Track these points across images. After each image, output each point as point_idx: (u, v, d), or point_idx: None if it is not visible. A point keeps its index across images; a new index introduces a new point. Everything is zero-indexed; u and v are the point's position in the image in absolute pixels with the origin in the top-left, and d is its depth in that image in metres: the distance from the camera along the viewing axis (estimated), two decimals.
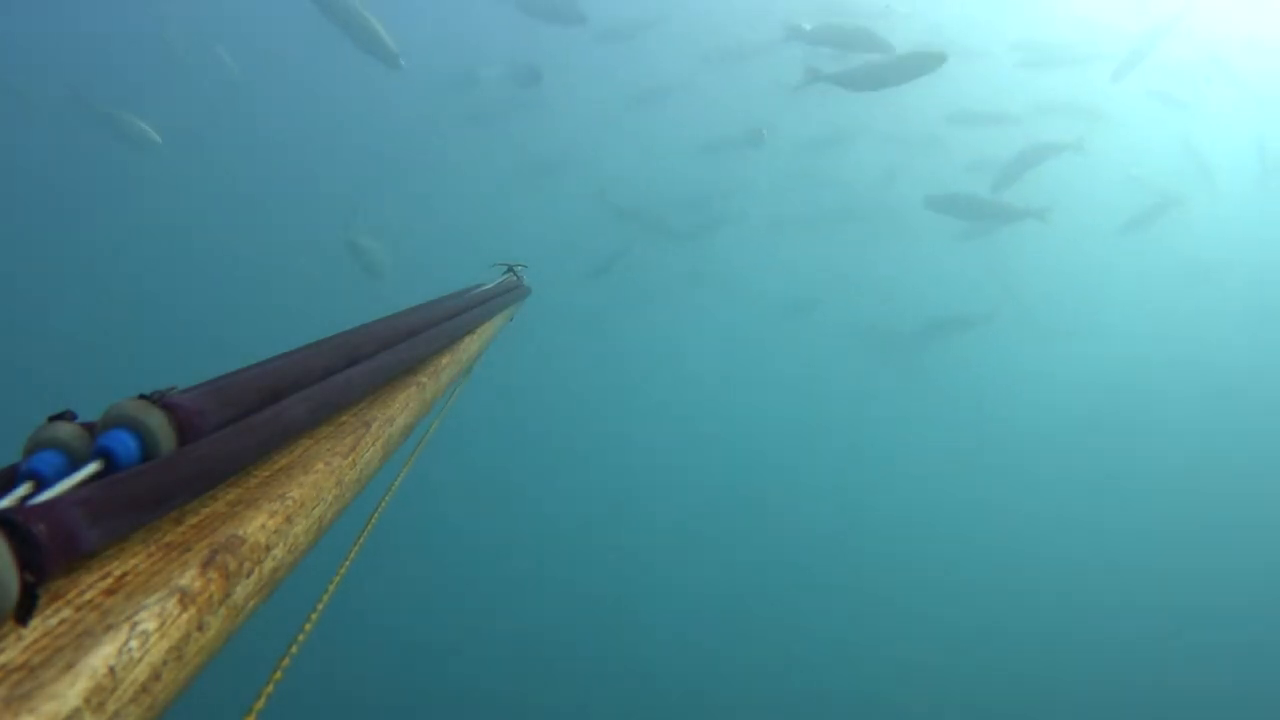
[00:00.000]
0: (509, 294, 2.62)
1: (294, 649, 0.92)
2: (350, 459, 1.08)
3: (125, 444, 0.76)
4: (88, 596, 0.61)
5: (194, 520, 0.78)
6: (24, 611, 0.55)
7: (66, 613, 0.59)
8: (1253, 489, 18.57)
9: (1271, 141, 18.12)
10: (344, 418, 1.20)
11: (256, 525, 0.81)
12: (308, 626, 0.96)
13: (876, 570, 16.14)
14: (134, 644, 0.58)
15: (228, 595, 0.72)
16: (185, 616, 0.65)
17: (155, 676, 0.60)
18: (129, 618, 0.60)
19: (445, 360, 1.71)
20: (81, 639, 0.56)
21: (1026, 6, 17.26)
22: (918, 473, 18.87)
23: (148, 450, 0.78)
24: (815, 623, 14.69)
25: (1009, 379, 20.83)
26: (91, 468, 0.72)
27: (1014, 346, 20.76)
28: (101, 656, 0.55)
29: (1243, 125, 18.08)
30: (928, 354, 18.85)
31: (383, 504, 1.35)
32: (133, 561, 0.68)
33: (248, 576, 0.76)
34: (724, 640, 14.08)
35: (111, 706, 0.55)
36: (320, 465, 1.00)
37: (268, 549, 0.81)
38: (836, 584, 15.76)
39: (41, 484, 0.69)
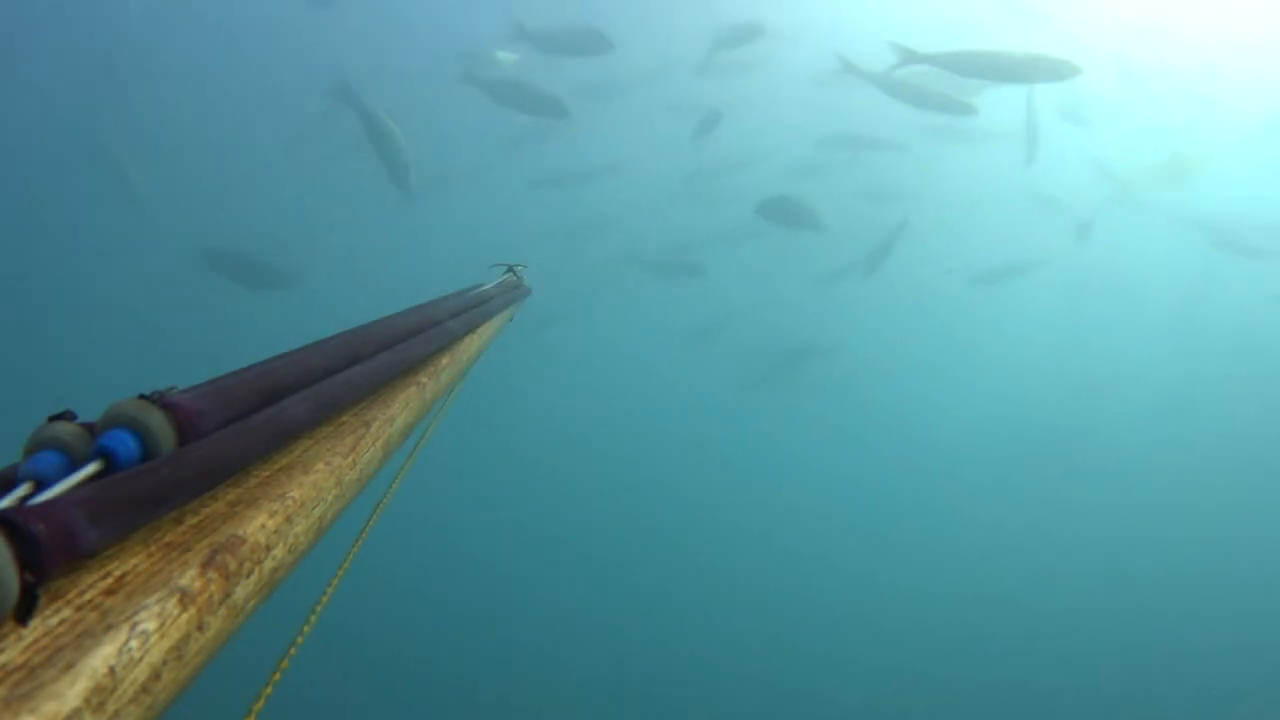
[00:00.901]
0: (509, 294, 2.62)
1: (294, 649, 0.92)
2: (350, 459, 1.08)
3: (125, 444, 0.76)
4: (88, 596, 0.61)
5: (194, 520, 0.78)
6: (24, 611, 0.55)
7: (66, 613, 0.59)
8: (1169, 492, 18.72)
9: (1185, 155, 17.91)
10: (344, 418, 1.20)
11: (256, 525, 0.81)
12: (306, 628, 0.96)
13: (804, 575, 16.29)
14: (134, 644, 0.58)
15: (228, 595, 0.72)
16: (185, 616, 0.65)
17: (155, 676, 0.60)
18: (129, 618, 0.60)
19: (445, 360, 1.70)
20: (81, 639, 0.56)
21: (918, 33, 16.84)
22: (841, 492, 18.80)
23: (148, 450, 0.78)
24: (742, 628, 14.82)
25: (935, 397, 20.59)
26: (91, 468, 0.72)
27: (935, 360, 20.57)
28: (101, 656, 0.55)
29: (1155, 142, 17.82)
30: (845, 375, 18.82)
31: (383, 503, 1.35)
32: (133, 561, 0.68)
33: (248, 576, 0.76)
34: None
35: (111, 706, 0.55)
36: (320, 465, 1.00)
37: (268, 549, 0.81)
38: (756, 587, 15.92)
39: (41, 484, 0.69)
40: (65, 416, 0.77)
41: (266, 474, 0.94)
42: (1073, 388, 20.19)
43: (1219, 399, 20.15)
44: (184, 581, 0.67)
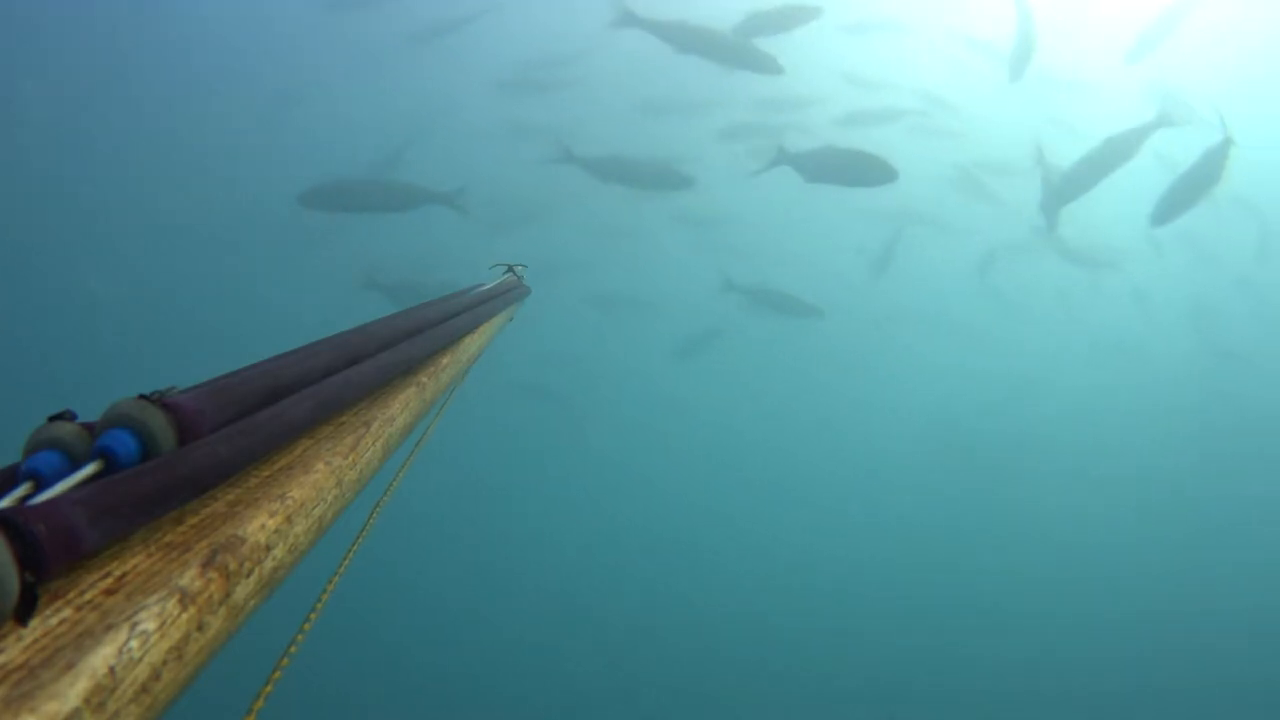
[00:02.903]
0: (509, 294, 2.62)
1: (294, 649, 0.92)
2: (350, 459, 1.08)
3: (125, 444, 0.76)
4: (88, 596, 0.62)
5: (194, 520, 0.78)
6: (24, 611, 0.55)
7: (66, 613, 0.59)
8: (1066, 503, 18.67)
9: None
10: (344, 418, 1.20)
11: (256, 525, 0.81)
12: (307, 626, 0.96)
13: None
14: (134, 644, 0.58)
15: (228, 595, 0.72)
16: (185, 616, 0.65)
17: (155, 676, 0.60)
18: (129, 618, 0.60)
19: (445, 360, 1.71)
20: (81, 639, 0.56)
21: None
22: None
23: (148, 450, 0.78)
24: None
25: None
26: (91, 468, 0.73)
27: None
28: (101, 656, 0.55)
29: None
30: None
31: (382, 503, 1.35)
32: (133, 561, 0.68)
33: (248, 576, 0.76)
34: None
35: (111, 706, 0.55)
36: (320, 465, 1.00)
37: (268, 549, 0.81)
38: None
39: (41, 484, 0.70)
40: (65, 416, 0.77)
41: (266, 474, 0.94)
42: (977, 407, 20.09)
43: (1109, 400, 20.28)
44: (184, 581, 0.67)
